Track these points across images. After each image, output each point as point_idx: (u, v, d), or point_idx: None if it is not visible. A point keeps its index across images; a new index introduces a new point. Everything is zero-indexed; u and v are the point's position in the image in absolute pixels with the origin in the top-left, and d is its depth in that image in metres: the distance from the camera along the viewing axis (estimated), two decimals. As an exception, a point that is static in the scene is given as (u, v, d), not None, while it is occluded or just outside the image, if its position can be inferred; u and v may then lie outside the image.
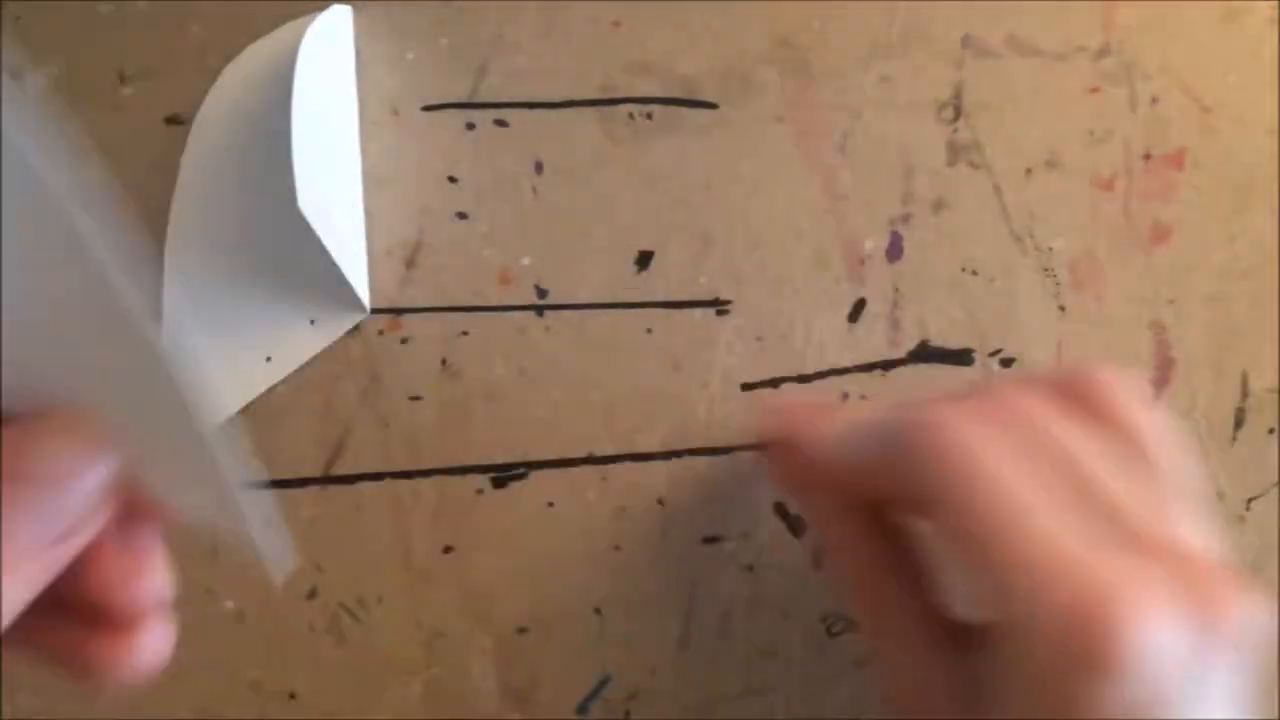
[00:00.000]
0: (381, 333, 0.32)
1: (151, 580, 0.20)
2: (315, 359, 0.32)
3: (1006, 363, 0.35)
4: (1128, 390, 0.25)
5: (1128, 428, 0.24)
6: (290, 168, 0.28)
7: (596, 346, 0.33)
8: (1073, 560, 0.20)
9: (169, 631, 0.21)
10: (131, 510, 0.20)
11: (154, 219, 0.31)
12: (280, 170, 0.28)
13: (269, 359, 0.31)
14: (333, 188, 0.31)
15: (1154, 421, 0.25)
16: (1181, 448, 0.25)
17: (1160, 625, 0.20)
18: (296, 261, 0.30)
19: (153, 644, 0.20)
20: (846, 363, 0.34)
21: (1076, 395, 0.25)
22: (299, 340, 0.31)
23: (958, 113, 0.34)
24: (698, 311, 0.33)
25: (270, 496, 0.29)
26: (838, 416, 0.28)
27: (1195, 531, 0.23)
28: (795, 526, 0.34)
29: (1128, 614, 0.19)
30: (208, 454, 0.18)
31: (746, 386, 0.34)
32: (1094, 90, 0.34)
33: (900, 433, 0.24)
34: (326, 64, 0.30)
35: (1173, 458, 0.25)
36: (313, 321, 0.31)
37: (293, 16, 0.31)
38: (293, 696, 0.32)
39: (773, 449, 0.30)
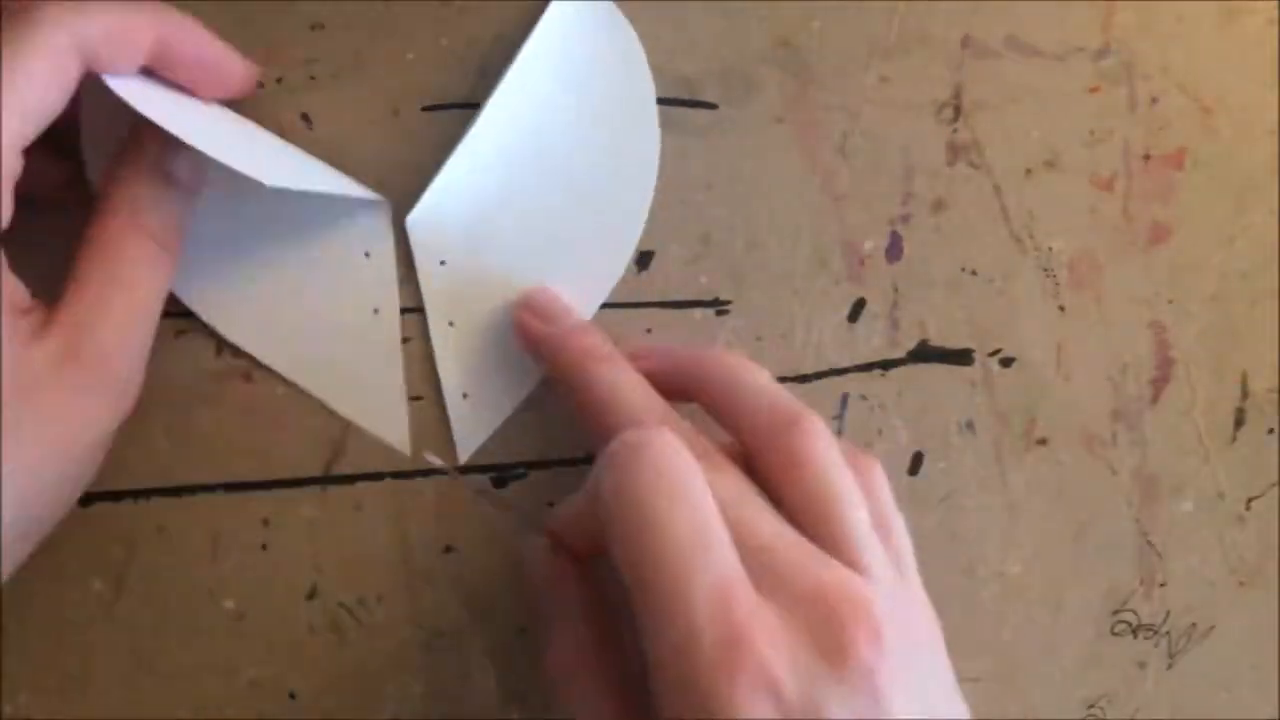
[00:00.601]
0: (381, 333, 0.32)
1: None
2: (315, 359, 0.32)
3: (1006, 362, 0.35)
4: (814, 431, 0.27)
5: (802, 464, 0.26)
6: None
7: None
8: (712, 607, 0.22)
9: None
10: None
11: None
12: None
13: None
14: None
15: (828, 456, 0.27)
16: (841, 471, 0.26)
17: (781, 668, 0.21)
18: None
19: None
20: (846, 363, 0.34)
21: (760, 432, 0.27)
22: None
23: (958, 113, 0.34)
24: (698, 311, 0.33)
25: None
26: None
27: (862, 541, 0.25)
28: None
29: (749, 659, 0.21)
30: None
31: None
32: (1094, 90, 0.34)
33: (596, 475, 0.25)
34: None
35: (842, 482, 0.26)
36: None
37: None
38: (293, 696, 0.32)
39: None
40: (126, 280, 0.27)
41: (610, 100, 0.32)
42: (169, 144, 0.27)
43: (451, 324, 0.32)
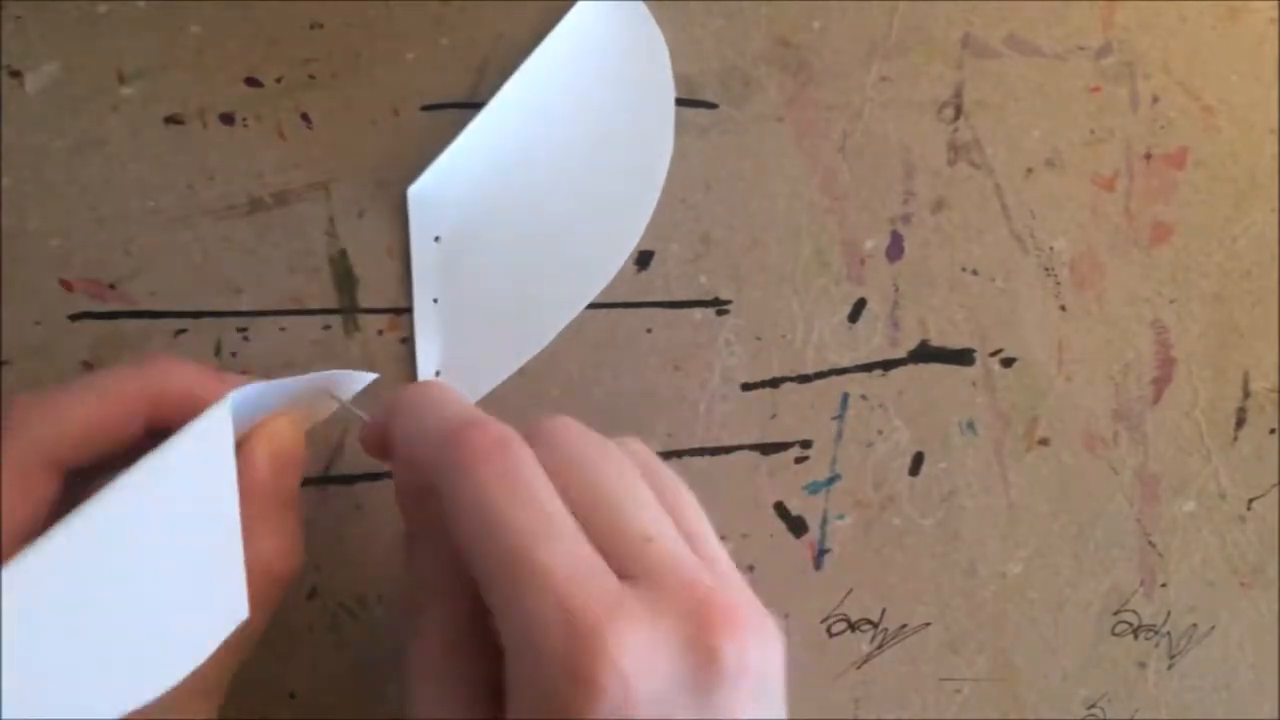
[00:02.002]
0: (381, 333, 0.32)
1: None
2: (314, 359, 0.32)
3: (1007, 362, 0.35)
4: (571, 434, 0.25)
5: (580, 465, 0.24)
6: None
7: (596, 346, 0.33)
8: (572, 592, 0.21)
9: None
10: None
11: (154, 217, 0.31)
12: None
13: None
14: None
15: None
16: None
17: (643, 654, 0.20)
18: None
19: None
20: (846, 362, 0.34)
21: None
22: None
23: (958, 112, 0.34)
24: (698, 311, 0.33)
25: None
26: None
27: (663, 550, 0.23)
28: (795, 526, 0.34)
29: (614, 644, 0.20)
30: None
31: (746, 386, 0.34)
32: (1094, 90, 0.34)
33: (440, 440, 0.23)
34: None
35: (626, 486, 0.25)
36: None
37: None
38: (293, 696, 0.32)
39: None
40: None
41: (629, 97, 0.32)
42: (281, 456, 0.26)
43: (436, 300, 0.32)
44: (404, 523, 0.26)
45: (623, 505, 0.23)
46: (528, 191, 0.32)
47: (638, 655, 0.20)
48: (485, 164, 0.32)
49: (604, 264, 0.33)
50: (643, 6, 0.32)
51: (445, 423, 0.24)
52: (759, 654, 0.22)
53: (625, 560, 0.22)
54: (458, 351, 0.32)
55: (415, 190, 0.31)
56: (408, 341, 0.32)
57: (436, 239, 0.32)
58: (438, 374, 0.32)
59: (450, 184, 0.31)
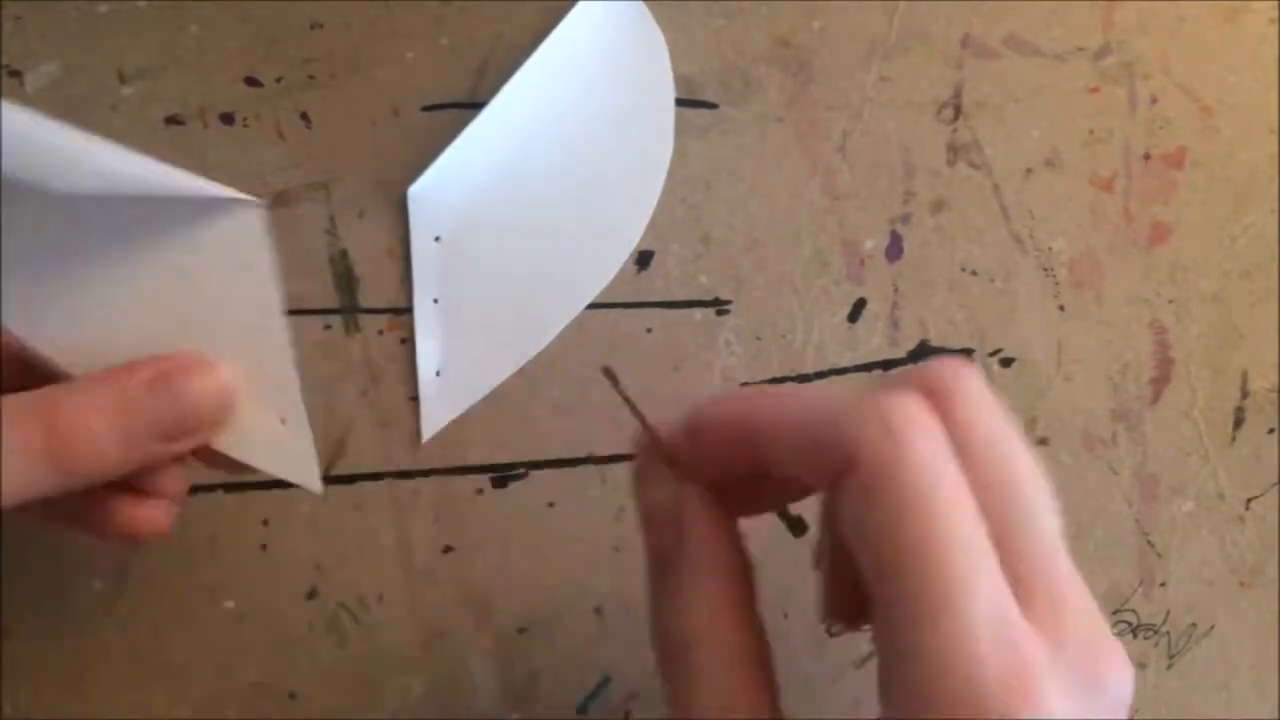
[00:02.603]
0: (381, 333, 0.32)
1: (179, 473, 0.27)
2: (315, 359, 0.32)
3: (1006, 362, 0.35)
4: (985, 406, 0.23)
5: (998, 453, 0.22)
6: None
7: (596, 346, 0.33)
8: (994, 635, 0.19)
9: (171, 511, 0.26)
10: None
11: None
12: None
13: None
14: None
15: (1016, 442, 0.23)
16: (1037, 463, 0.23)
17: (1060, 703, 0.20)
18: None
19: (162, 516, 0.26)
20: (846, 362, 0.34)
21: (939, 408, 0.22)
22: None
23: (958, 113, 0.34)
24: (698, 311, 0.33)
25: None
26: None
27: (1066, 565, 0.22)
28: (795, 526, 0.34)
29: (1045, 706, 0.19)
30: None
31: (746, 386, 0.34)
32: (1094, 90, 0.34)
33: (850, 423, 0.20)
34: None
35: (1039, 483, 0.23)
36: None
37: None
38: (293, 696, 0.32)
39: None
40: None
41: (630, 98, 0.32)
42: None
43: (436, 301, 0.32)
44: (652, 553, 0.24)
45: (1038, 523, 0.21)
46: (527, 192, 0.32)
47: (1062, 705, 0.20)
48: (485, 164, 0.32)
49: (604, 264, 0.33)
50: (643, 6, 0.32)
51: (830, 400, 0.21)
52: (1130, 685, 0.21)
53: (1029, 588, 0.20)
54: (458, 352, 0.32)
55: (415, 190, 0.31)
56: (408, 341, 0.32)
57: (437, 239, 0.32)
58: (438, 374, 0.32)
59: (450, 184, 0.31)
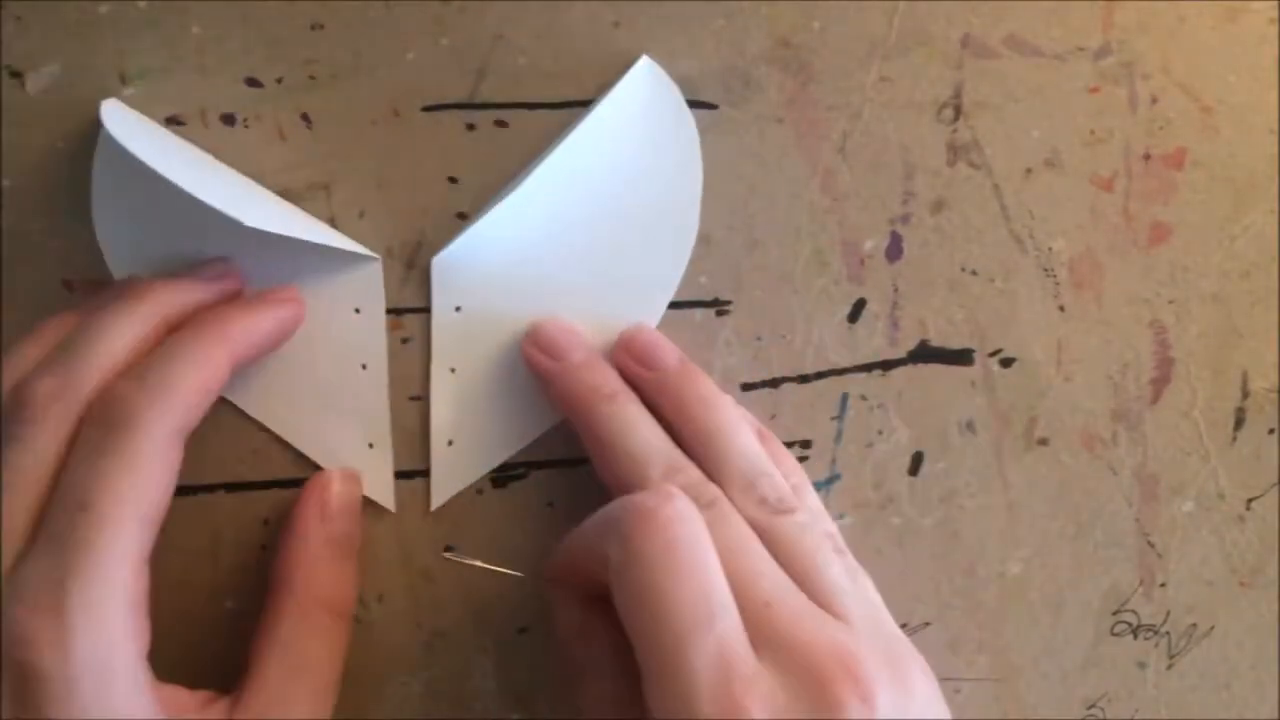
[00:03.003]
0: (381, 333, 0.32)
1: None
2: (315, 359, 0.32)
3: (1006, 363, 0.35)
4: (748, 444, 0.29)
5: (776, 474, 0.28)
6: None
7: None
8: (712, 679, 0.22)
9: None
10: None
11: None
12: None
13: None
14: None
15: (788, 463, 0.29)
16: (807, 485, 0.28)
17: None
18: None
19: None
20: (846, 363, 0.34)
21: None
22: None
23: (958, 113, 0.34)
24: (698, 311, 0.33)
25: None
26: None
27: (843, 590, 0.26)
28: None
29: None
30: None
31: (746, 386, 0.34)
32: (1094, 90, 0.34)
33: (620, 506, 0.25)
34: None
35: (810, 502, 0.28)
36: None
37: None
38: (293, 696, 0.32)
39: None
40: (308, 665, 0.28)
41: (660, 185, 0.32)
42: (330, 505, 0.30)
43: (453, 370, 0.32)
44: (563, 645, 0.29)
45: (750, 569, 0.25)
46: (551, 270, 0.32)
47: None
48: (513, 240, 0.32)
49: None
50: (675, 89, 0.32)
51: (615, 504, 0.25)
52: (889, 701, 0.23)
53: (752, 628, 0.23)
54: (471, 422, 0.32)
55: (439, 260, 0.32)
56: (409, 342, 0.32)
57: (457, 309, 0.32)
58: (450, 444, 0.32)
59: (476, 256, 0.31)
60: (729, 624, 0.23)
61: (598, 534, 0.26)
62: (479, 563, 0.31)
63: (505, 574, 0.30)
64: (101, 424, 0.25)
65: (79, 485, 0.24)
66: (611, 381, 0.30)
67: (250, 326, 0.29)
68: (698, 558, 0.23)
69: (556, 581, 0.29)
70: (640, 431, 0.28)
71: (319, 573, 0.29)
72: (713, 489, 0.27)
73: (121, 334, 0.27)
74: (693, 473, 0.28)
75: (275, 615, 0.29)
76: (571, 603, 0.29)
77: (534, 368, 0.31)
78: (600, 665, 0.28)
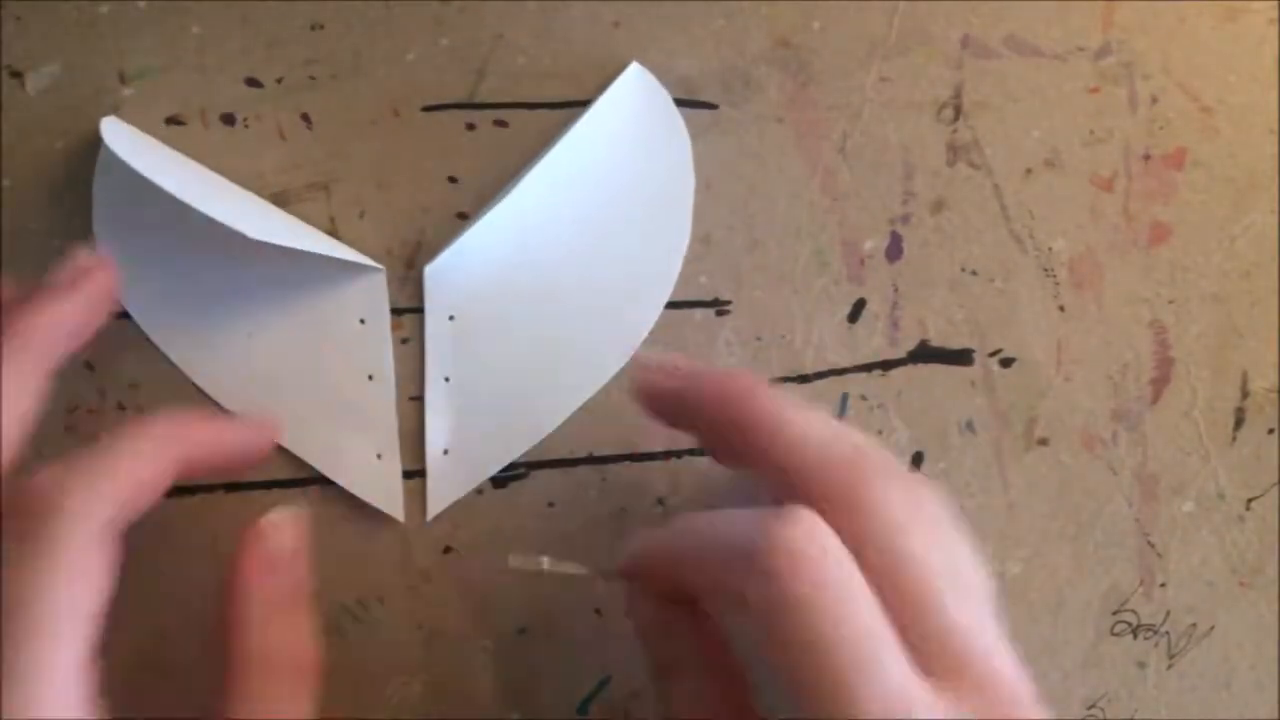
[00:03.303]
0: (381, 333, 0.32)
1: None
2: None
3: (1006, 363, 0.35)
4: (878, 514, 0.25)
5: (890, 559, 0.24)
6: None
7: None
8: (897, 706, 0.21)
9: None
10: None
11: (154, 219, 0.31)
12: None
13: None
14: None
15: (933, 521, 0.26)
16: (960, 530, 0.26)
17: None
18: None
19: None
20: (846, 363, 0.34)
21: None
22: None
23: (958, 113, 0.34)
24: (698, 311, 0.33)
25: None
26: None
27: (987, 628, 0.25)
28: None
29: None
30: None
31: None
32: (1094, 90, 0.34)
33: (753, 536, 0.23)
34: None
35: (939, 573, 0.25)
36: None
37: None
38: (293, 696, 0.32)
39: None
40: None
41: (652, 191, 0.32)
42: (273, 557, 0.28)
43: (448, 379, 0.32)
44: (642, 638, 0.28)
45: (939, 602, 0.24)
46: (544, 277, 0.32)
47: None
48: (505, 246, 0.32)
49: (615, 351, 0.33)
50: (666, 94, 0.32)
51: (736, 523, 0.23)
52: None
53: (930, 658, 0.22)
54: (466, 431, 0.32)
55: (432, 269, 0.31)
56: (409, 342, 0.32)
57: (451, 318, 0.32)
58: (445, 453, 0.32)
59: (468, 264, 0.31)
60: (895, 663, 0.22)
61: (722, 563, 0.23)
62: (545, 565, 0.29)
63: (572, 574, 0.29)
64: (21, 514, 0.23)
65: None
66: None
67: (214, 437, 0.27)
68: (852, 597, 0.22)
69: (632, 577, 0.28)
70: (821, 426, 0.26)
71: (273, 634, 0.27)
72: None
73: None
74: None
75: (238, 687, 0.26)
76: (649, 599, 0.27)
77: (658, 391, 0.28)
78: (687, 663, 0.27)
